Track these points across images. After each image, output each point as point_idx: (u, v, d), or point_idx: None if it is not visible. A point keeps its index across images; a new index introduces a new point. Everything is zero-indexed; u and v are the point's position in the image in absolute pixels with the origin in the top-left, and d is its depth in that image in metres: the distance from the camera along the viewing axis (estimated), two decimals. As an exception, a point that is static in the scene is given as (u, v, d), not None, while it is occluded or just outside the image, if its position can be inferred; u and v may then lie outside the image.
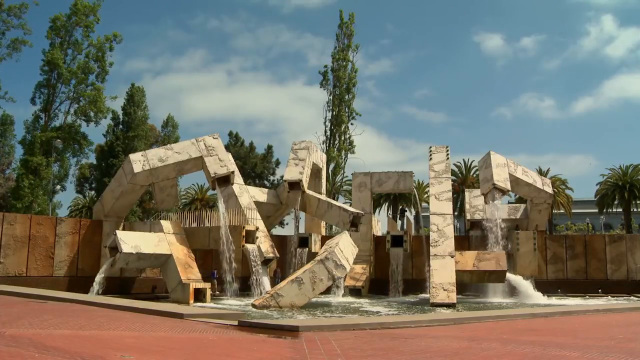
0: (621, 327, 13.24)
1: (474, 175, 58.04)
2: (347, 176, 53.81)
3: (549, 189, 32.84)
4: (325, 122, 53.95)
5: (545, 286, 29.63)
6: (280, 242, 32.04)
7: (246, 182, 37.97)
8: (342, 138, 53.54)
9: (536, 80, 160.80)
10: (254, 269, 26.14)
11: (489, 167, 30.05)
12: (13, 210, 44.03)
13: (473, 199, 35.27)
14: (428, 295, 26.31)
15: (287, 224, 61.25)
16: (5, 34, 48.15)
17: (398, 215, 56.84)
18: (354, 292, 29.40)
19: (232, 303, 24.26)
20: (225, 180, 27.91)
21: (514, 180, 30.83)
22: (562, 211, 64.31)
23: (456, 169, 62.78)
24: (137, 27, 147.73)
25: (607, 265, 32.03)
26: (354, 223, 30.02)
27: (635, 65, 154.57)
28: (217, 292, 27.11)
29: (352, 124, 53.91)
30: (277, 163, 67.79)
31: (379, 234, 36.65)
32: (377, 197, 54.96)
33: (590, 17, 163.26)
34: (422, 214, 58.35)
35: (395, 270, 31.24)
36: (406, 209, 58.69)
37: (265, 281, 26.12)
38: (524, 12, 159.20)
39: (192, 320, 12.17)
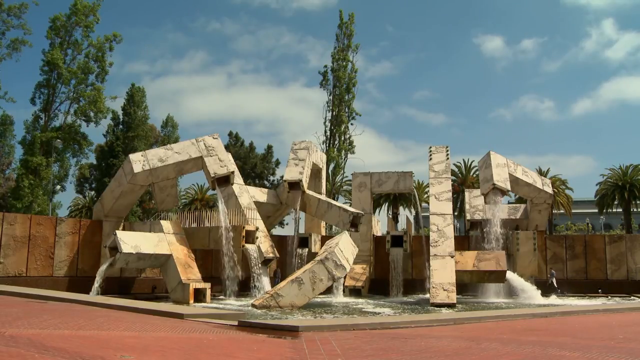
0: (621, 327, 13.23)
1: (474, 175, 58.00)
2: (347, 176, 53.85)
3: (549, 189, 32.83)
4: (325, 122, 53.99)
5: (545, 286, 29.65)
6: (280, 242, 32.03)
7: (246, 182, 37.95)
8: (342, 138, 53.52)
9: (536, 82, 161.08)
10: (254, 269, 26.14)
11: (489, 167, 30.03)
12: (13, 210, 44.02)
13: (473, 199, 35.25)
14: (428, 296, 26.30)
15: (287, 224, 61.29)
16: (5, 34, 48.25)
17: (396, 217, 56.78)
18: (354, 292, 29.38)
19: (232, 303, 24.25)
20: (225, 180, 27.89)
21: (514, 180, 30.82)
22: (562, 211, 64.25)
23: (456, 169, 62.72)
24: (137, 30, 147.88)
25: (607, 265, 32.02)
26: (354, 223, 30.00)
27: (634, 67, 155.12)
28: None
29: (352, 124, 53.96)
30: (277, 163, 67.82)
31: (379, 234, 36.63)
32: (377, 197, 54.94)
33: (590, 20, 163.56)
34: (422, 214, 58.32)
35: (395, 270, 31.21)
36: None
37: (265, 281, 26.11)
38: (525, 14, 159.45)
39: (192, 320, 12.17)
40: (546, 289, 28.78)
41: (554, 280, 30.18)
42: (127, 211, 30.57)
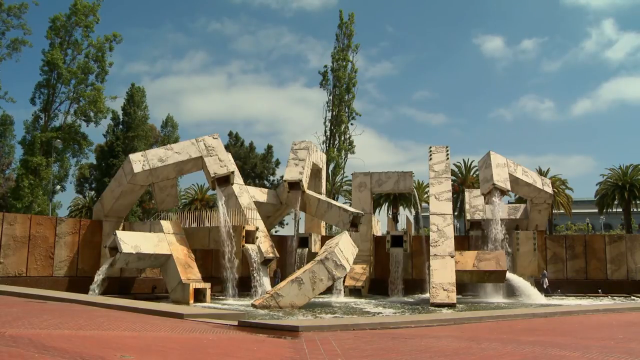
0: (621, 327, 13.23)
1: (474, 175, 57.99)
2: (347, 176, 53.83)
3: (548, 189, 32.82)
4: (325, 122, 53.97)
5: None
6: (280, 242, 32.03)
7: (246, 182, 37.94)
8: (342, 138, 53.50)
9: (536, 82, 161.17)
10: (254, 269, 26.14)
11: (489, 167, 30.03)
12: (13, 210, 44.01)
13: (473, 199, 35.25)
14: (428, 295, 26.29)
15: (287, 224, 61.29)
16: (5, 34, 48.21)
17: (396, 217, 56.76)
18: (354, 292, 29.38)
19: (232, 303, 24.26)
20: (225, 180, 27.90)
21: (514, 180, 30.82)
22: (562, 211, 64.23)
23: (456, 169, 62.72)
24: (137, 30, 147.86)
25: (607, 265, 32.01)
26: (354, 223, 29.99)
27: (633, 68, 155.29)
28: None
29: (352, 124, 53.94)
30: (277, 163, 67.80)
31: (379, 234, 36.63)
32: (377, 197, 54.97)
33: (590, 20, 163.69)
34: (422, 214, 58.31)
35: (395, 270, 31.20)
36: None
37: (265, 281, 26.11)
38: (525, 15, 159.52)
39: (192, 320, 12.17)
40: (538, 289, 28.80)
41: (546, 281, 30.22)
42: (127, 211, 30.58)
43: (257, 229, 27.01)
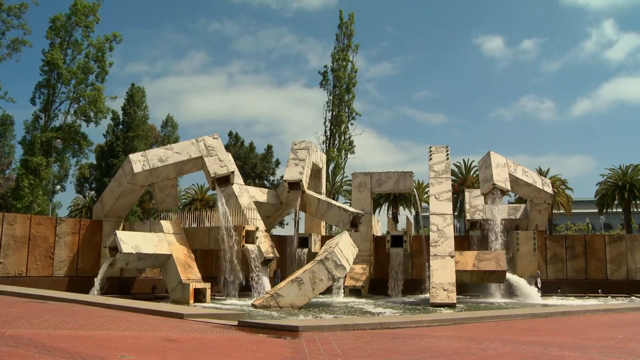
0: (621, 327, 13.23)
1: (474, 175, 57.97)
2: (347, 176, 53.83)
3: (548, 189, 32.82)
4: (325, 122, 53.97)
5: (545, 286, 29.64)
6: (280, 242, 32.03)
7: (246, 182, 37.94)
8: (342, 138, 53.51)
9: (536, 82, 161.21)
10: (254, 269, 26.14)
11: (489, 167, 30.03)
12: (13, 210, 44.00)
13: (473, 199, 35.25)
14: (428, 295, 26.30)
15: (287, 224, 61.31)
16: (5, 34, 48.19)
17: (396, 217, 56.74)
18: (354, 292, 29.38)
19: (232, 303, 24.25)
20: (225, 180, 27.91)
21: (514, 180, 30.82)
22: (562, 211, 64.22)
23: (456, 169, 62.70)
24: (137, 30, 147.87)
25: (607, 265, 32.01)
26: (354, 223, 29.99)
27: (633, 68, 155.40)
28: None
29: (352, 124, 53.94)
30: (277, 163, 67.84)
31: (379, 234, 36.62)
32: (377, 197, 54.95)
33: (590, 20, 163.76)
34: (422, 214, 58.29)
35: (395, 270, 31.20)
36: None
37: (265, 281, 26.10)
38: (525, 15, 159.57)
39: (192, 320, 12.17)
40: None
41: (539, 281, 30.26)
42: (127, 211, 30.57)
43: (257, 229, 27.01)
